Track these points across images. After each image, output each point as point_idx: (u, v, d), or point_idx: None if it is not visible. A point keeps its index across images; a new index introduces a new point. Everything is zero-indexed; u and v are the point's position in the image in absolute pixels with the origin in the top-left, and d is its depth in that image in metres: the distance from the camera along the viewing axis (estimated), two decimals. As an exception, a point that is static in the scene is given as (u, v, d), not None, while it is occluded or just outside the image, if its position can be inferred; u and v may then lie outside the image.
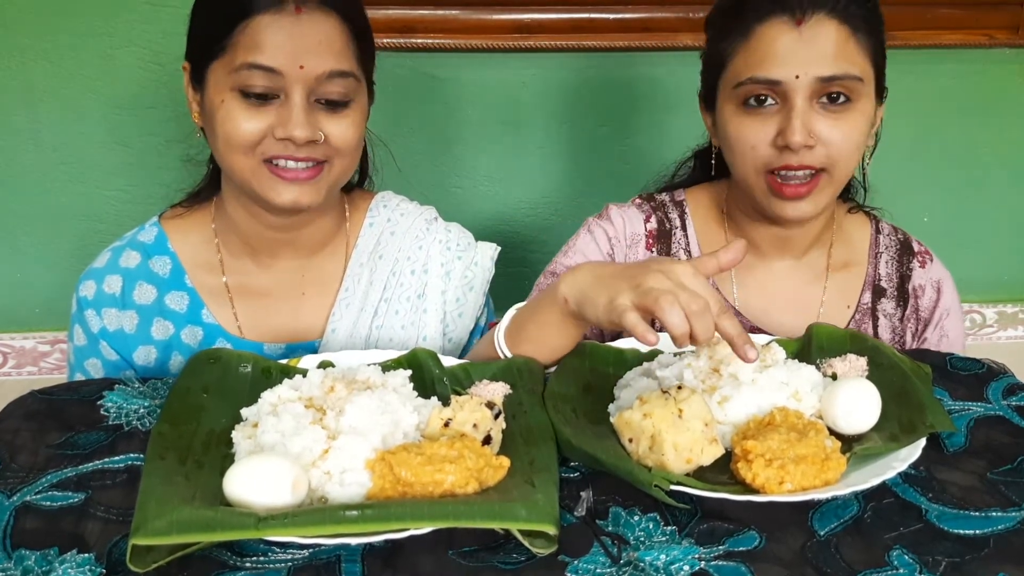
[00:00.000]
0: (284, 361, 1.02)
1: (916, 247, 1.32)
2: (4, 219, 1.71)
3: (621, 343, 1.07)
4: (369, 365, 0.94)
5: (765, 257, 1.28)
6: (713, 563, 0.72)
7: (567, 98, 1.76)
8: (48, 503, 0.78)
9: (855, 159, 1.15)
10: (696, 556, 0.72)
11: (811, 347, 1.04)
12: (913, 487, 0.82)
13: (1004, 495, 0.81)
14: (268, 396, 0.86)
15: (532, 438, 0.87)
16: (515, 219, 1.84)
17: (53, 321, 1.78)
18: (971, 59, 1.81)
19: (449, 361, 1.02)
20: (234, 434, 0.84)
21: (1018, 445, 0.90)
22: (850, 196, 1.32)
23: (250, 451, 0.81)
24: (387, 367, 0.96)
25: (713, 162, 1.26)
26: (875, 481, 0.79)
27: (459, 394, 0.91)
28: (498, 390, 0.94)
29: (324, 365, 1.00)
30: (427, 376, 0.98)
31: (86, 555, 0.71)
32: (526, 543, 0.72)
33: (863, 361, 0.99)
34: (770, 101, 1.11)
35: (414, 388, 0.92)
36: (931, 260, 1.31)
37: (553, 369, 1.01)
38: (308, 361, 1.02)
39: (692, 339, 0.85)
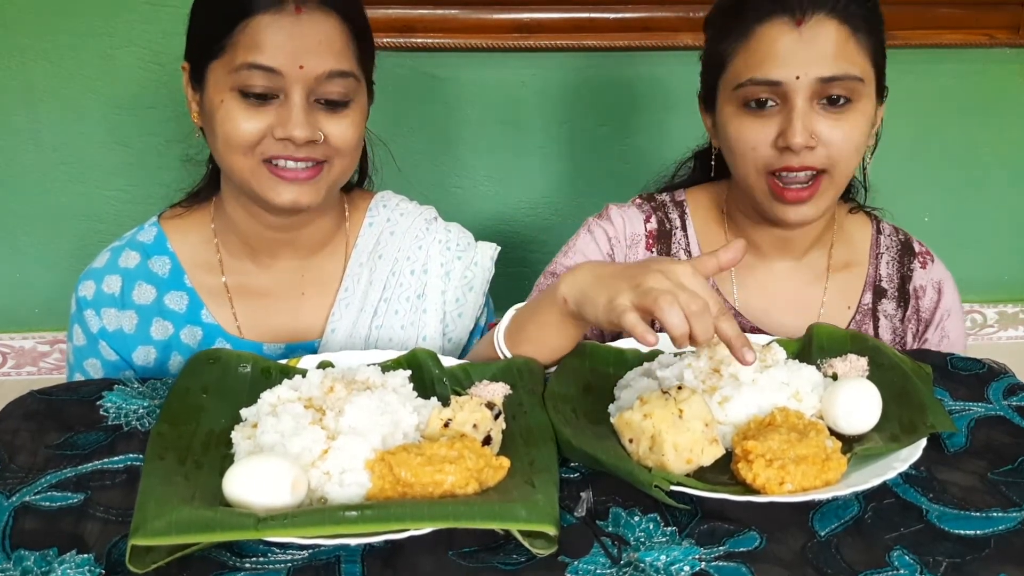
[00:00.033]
0: (284, 361, 1.02)
1: (917, 248, 1.32)
2: (4, 219, 1.71)
3: (621, 343, 1.07)
4: (369, 365, 0.94)
5: (765, 258, 1.27)
6: (713, 564, 0.72)
7: (567, 98, 1.76)
8: (47, 503, 0.78)
9: (856, 159, 1.15)
10: (696, 557, 0.72)
11: (812, 347, 1.04)
12: (914, 487, 0.82)
13: (1005, 495, 0.81)
14: (268, 396, 0.86)
15: (532, 438, 0.87)
16: (515, 219, 1.84)
17: (53, 321, 1.78)
18: (971, 59, 1.81)
19: (449, 361, 1.01)
20: (233, 434, 0.84)
21: (1019, 445, 0.89)
22: (851, 196, 1.32)
23: (249, 451, 0.81)
24: (387, 367, 0.96)
25: (713, 163, 1.26)
26: (876, 481, 0.79)
27: (459, 394, 0.91)
28: (498, 390, 0.93)
29: (324, 365, 0.99)
30: (427, 376, 0.98)
31: (85, 555, 0.71)
32: (526, 544, 0.72)
33: (864, 361, 0.99)
34: (770, 103, 1.11)
35: (414, 388, 0.92)
36: (932, 261, 1.31)
37: (553, 369, 1.01)
38: (308, 361, 1.02)
39: (691, 339, 0.85)
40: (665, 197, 1.32)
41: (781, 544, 0.74)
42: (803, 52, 1.08)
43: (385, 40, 1.62)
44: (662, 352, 1.01)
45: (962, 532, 0.76)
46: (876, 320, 1.28)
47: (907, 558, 0.73)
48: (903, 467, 0.81)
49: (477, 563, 0.72)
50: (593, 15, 1.68)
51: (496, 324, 1.06)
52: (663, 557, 0.72)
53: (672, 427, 0.82)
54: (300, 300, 1.23)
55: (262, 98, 1.06)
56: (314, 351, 1.20)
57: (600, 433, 0.88)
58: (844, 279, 1.29)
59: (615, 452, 0.84)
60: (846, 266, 1.29)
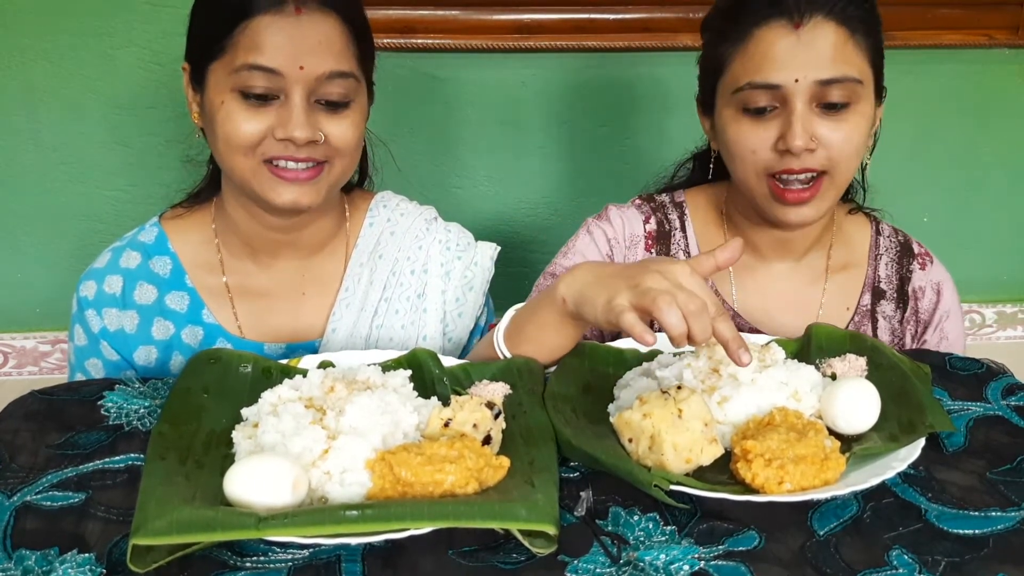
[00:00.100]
0: (284, 361, 1.02)
1: (916, 249, 1.32)
2: (4, 219, 1.71)
3: (621, 343, 1.07)
4: (369, 365, 0.94)
5: (764, 259, 1.28)
6: (713, 563, 0.72)
7: (567, 98, 1.76)
8: (48, 503, 0.78)
9: (856, 161, 1.15)
10: (696, 556, 0.72)
11: (810, 347, 1.04)
12: (912, 487, 0.82)
13: (1003, 495, 0.81)
14: (268, 396, 0.87)
15: (532, 438, 0.87)
16: (515, 219, 1.84)
17: (53, 321, 1.78)
18: (971, 59, 1.81)
19: (449, 361, 1.02)
20: (234, 434, 0.85)
21: (1017, 445, 0.90)
22: (850, 197, 1.32)
23: (250, 451, 0.81)
24: (387, 367, 0.96)
25: (712, 165, 1.26)
26: (874, 481, 0.79)
27: (459, 394, 0.91)
28: (498, 390, 0.94)
29: (324, 365, 1.00)
30: (427, 376, 0.99)
31: (86, 555, 0.71)
32: (526, 543, 0.72)
33: (862, 361, 0.99)
34: (769, 109, 1.11)
35: (414, 388, 0.92)
36: (931, 262, 1.31)
37: (553, 369, 1.01)
38: (308, 361, 1.02)
39: (689, 339, 0.85)
40: (664, 198, 1.33)
41: (780, 543, 0.74)
42: (802, 55, 1.08)
43: (385, 40, 1.62)
44: (661, 352, 1.01)
45: (961, 531, 0.77)
46: (875, 321, 1.28)
47: (906, 557, 0.73)
48: (902, 467, 0.81)
49: (477, 562, 0.72)
50: (593, 16, 1.68)
51: (496, 324, 1.07)
52: (662, 556, 0.72)
53: (671, 427, 0.82)
54: (301, 300, 1.23)
55: (262, 99, 1.06)
56: (315, 351, 1.20)
57: (600, 433, 0.88)
58: (843, 280, 1.29)
59: (615, 452, 0.84)
60: (845, 267, 1.29)
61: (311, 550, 0.72)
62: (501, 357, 1.03)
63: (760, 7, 1.10)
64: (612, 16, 1.68)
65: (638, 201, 1.32)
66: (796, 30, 1.08)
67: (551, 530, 0.71)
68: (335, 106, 1.09)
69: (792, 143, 1.08)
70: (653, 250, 1.28)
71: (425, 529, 0.72)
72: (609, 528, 0.76)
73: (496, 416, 0.86)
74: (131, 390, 0.97)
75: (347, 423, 0.81)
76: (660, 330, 0.88)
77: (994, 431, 0.92)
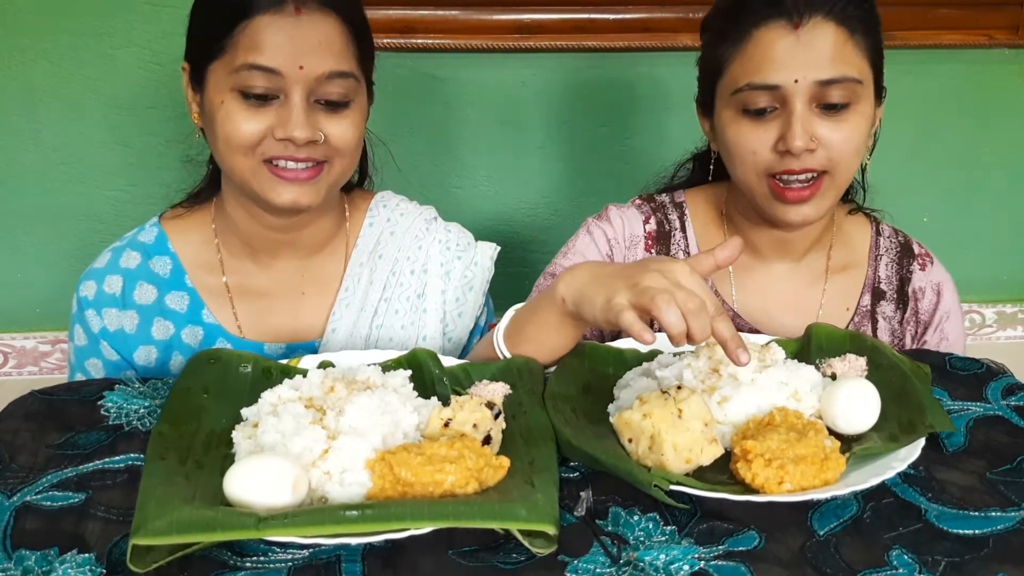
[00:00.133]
0: (284, 361, 1.02)
1: (917, 249, 1.32)
2: (4, 219, 1.71)
3: (621, 343, 1.07)
4: (369, 365, 0.94)
5: (764, 259, 1.28)
6: (713, 563, 0.72)
7: (567, 98, 1.76)
8: (48, 503, 0.78)
9: (856, 161, 1.15)
10: (696, 556, 0.72)
11: (810, 347, 1.04)
12: (912, 487, 0.82)
13: (1003, 495, 0.81)
14: (268, 396, 0.87)
15: (532, 438, 0.87)
16: (515, 219, 1.84)
17: (53, 321, 1.78)
18: (971, 59, 1.81)
19: (449, 361, 1.02)
20: (234, 434, 0.85)
21: (1017, 445, 0.90)
22: (850, 197, 1.32)
23: (250, 451, 0.81)
24: (387, 367, 0.96)
25: (712, 166, 1.26)
26: (874, 481, 0.79)
27: (459, 394, 0.91)
28: (498, 390, 0.94)
29: (324, 365, 1.00)
30: (427, 376, 0.99)
31: (86, 555, 0.71)
32: (526, 543, 0.72)
33: (862, 361, 0.99)
34: (769, 110, 1.11)
35: (414, 388, 0.92)
36: (931, 263, 1.31)
37: (553, 369, 1.01)
38: (308, 361, 1.02)
39: (688, 338, 0.85)
40: (664, 198, 1.33)
41: (780, 543, 0.74)
42: (801, 55, 1.08)
43: (385, 40, 1.62)
44: (661, 352, 1.01)
45: (961, 532, 0.77)
46: (875, 322, 1.28)
47: (906, 557, 0.73)
48: (902, 467, 0.81)
49: (477, 562, 0.72)
50: (593, 16, 1.68)
51: (496, 324, 1.07)
52: (662, 556, 0.72)
53: (671, 427, 0.82)
54: (300, 300, 1.23)
55: (262, 99, 1.06)
56: (315, 351, 1.20)
57: (600, 433, 0.88)
58: (843, 281, 1.29)
59: (615, 452, 0.84)
60: (845, 268, 1.29)
61: (311, 550, 0.72)
62: (501, 357, 1.03)
63: (759, 7, 1.09)
64: (612, 16, 1.68)
65: (638, 201, 1.32)
66: (795, 30, 1.08)
67: (551, 530, 0.71)
68: (335, 106, 1.09)
69: (792, 144, 1.08)
70: (653, 250, 1.28)
71: (425, 529, 0.72)
72: (609, 528, 0.76)
73: (496, 416, 0.86)
74: (131, 390, 0.97)
75: (347, 423, 0.81)
76: (659, 329, 0.88)
77: (994, 431, 0.92)
